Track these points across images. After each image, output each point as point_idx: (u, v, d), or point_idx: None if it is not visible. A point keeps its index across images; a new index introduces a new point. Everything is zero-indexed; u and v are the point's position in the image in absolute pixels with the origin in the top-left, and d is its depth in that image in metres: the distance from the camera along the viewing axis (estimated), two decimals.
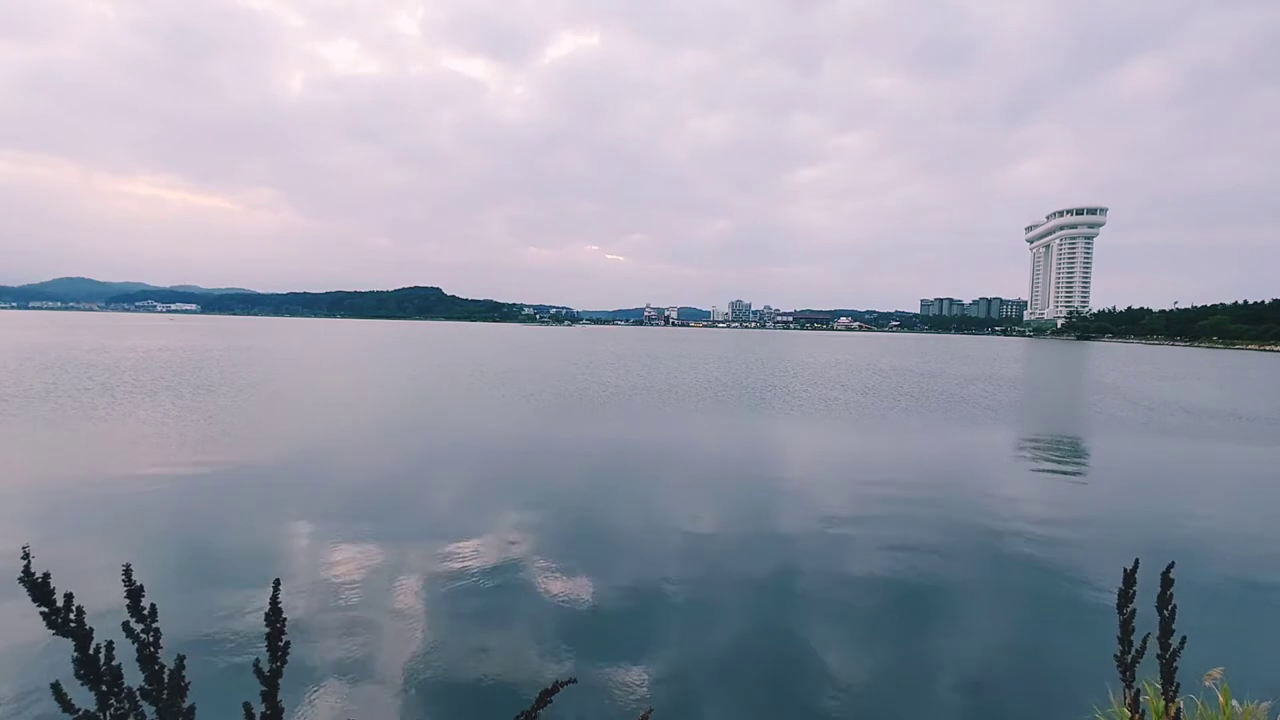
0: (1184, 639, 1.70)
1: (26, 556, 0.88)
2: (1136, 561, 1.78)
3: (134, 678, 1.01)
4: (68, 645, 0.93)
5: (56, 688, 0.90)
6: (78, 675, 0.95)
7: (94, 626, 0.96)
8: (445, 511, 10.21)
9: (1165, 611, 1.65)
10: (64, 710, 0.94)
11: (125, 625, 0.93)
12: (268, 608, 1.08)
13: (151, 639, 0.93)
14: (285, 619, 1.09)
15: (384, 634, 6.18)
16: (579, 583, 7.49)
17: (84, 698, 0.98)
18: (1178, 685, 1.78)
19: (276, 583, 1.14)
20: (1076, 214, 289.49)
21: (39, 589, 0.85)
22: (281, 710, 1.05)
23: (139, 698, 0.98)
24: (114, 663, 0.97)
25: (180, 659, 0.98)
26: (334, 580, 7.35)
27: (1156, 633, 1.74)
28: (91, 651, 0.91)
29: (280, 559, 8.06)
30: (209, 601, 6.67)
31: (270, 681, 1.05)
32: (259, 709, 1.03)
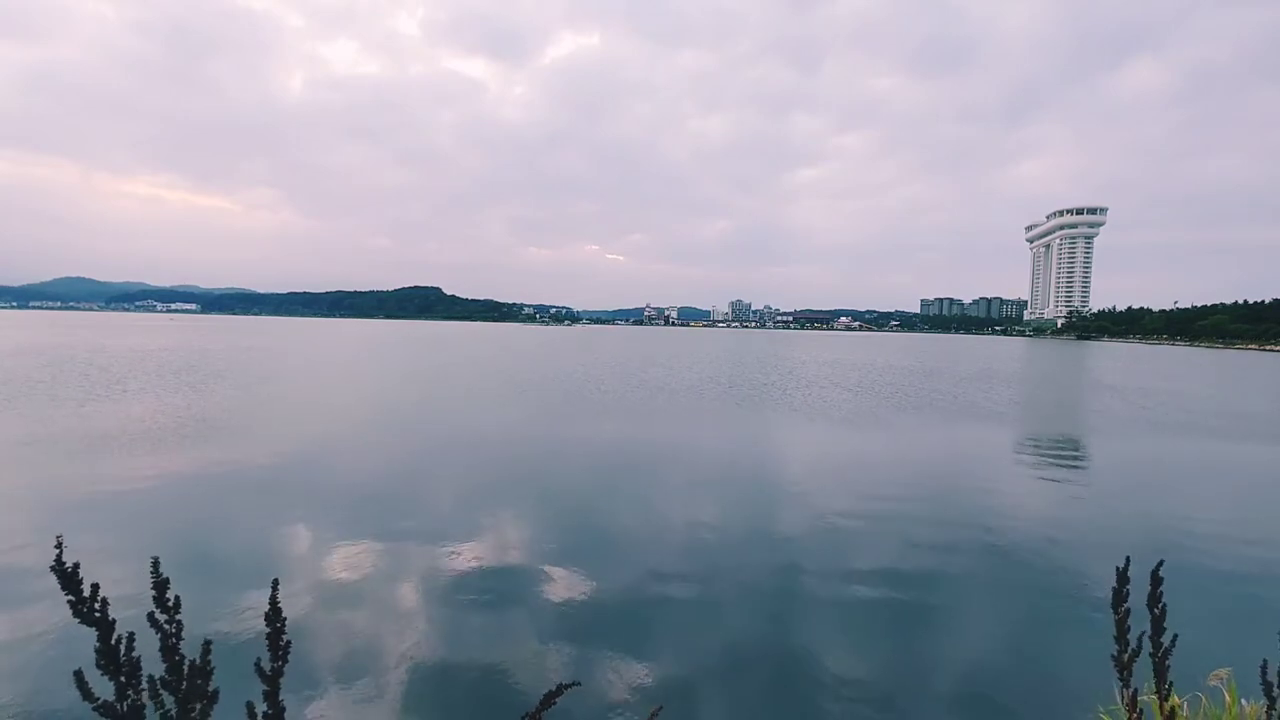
0: (1175, 636, 1.73)
1: (60, 546, 0.91)
2: (1128, 560, 1.80)
3: (151, 669, 1.04)
4: (76, 638, 0.96)
5: (79, 676, 0.93)
6: (99, 665, 0.97)
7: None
8: (447, 511, 10.24)
9: (1156, 610, 1.67)
10: (84, 699, 0.97)
11: (150, 616, 0.96)
12: (268, 608, 1.10)
13: (175, 630, 0.96)
14: (285, 619, 1.10)
15: (386, 634, 6.20)
16: (580, 582, 7.52)
17: (103, 688, 1.02)
18: (1171, 683, 1.80)
19: (275, 583, 1.15)
20: (1076, 214, 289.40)
21: (68, 578, 0.89)
22: (283, 710, 1.06)
23: (160, 687, 1.01)
24: (134, 654, 1.00)
25: (206, 644, 1.01)
26: (336, 580, 7.38)
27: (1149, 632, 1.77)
28: (113, 642, 0.94)
29: (282, 558, 8.09)
30: (210, 600, 6.68)
31: (272, 681, 1.06)
32: (261, 708, 1.05)
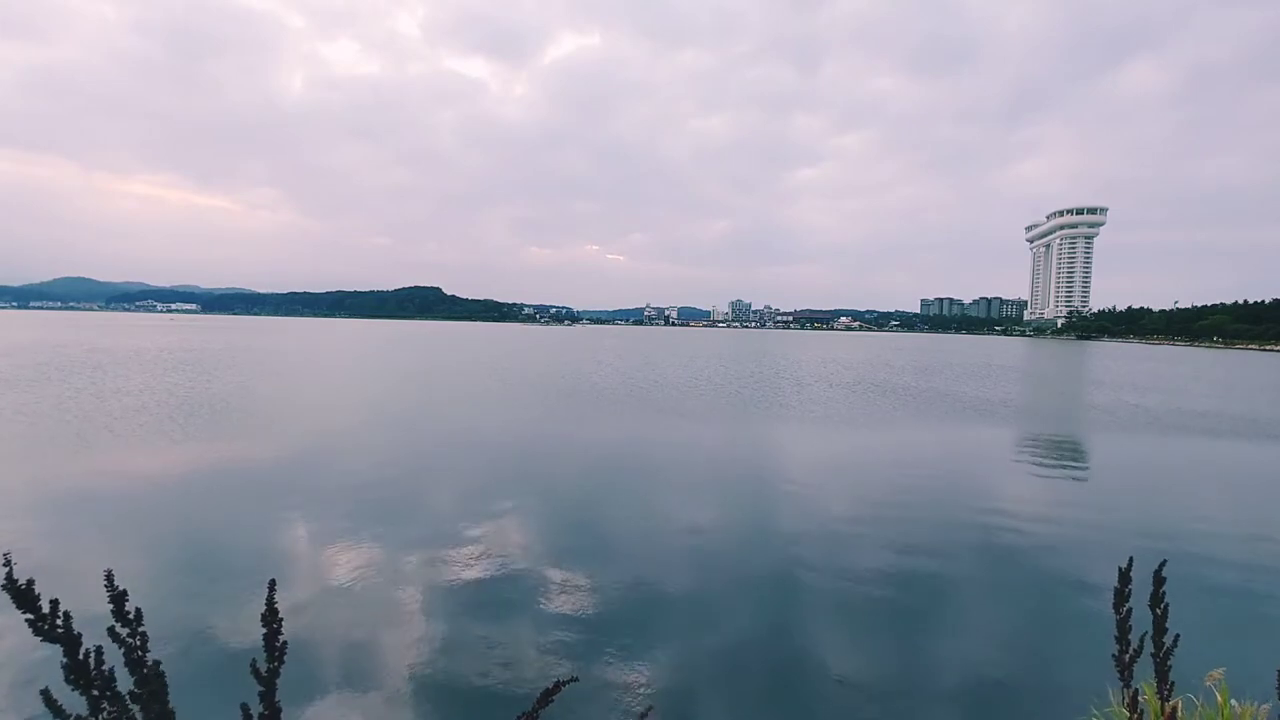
0: (1177, 637, 1.70)
1: (8, 563, 0.88)
2: (1130, 560, 1.78)
3: (127, 682, 1.01)
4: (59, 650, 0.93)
5: (46, 694, 0.90)
6: (68, 680, 0.94)
7: (89, 629, 0.96)
8: (445, 510, 10.22)
9: (1158, 610, 1.65)
10: (55, 716, 0.94)
11: (110, 630, 0.93)
12: (264, 608, 1.08)
13: (138, 643, 0.93)
14: (282, 619, 1.09)
15: (384, 633, 6.18)
16: (580, 581, 7.50)
17: (75, 702, 0.99)
18: (1173, 684, 1.78)
19: (272, 583, 1.14)
20: (1076, 214, 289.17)
21: (23, 596, 0.85)
22: (279, 711, 1.05)
23: (129, 701, 0.98)
24: (105, 667, 0.97)
25: (156, 663, 0.98)
26: (334, 579, 7.35)
27: (1149, 631, 1.74)
28: (81, 656, 0.91)
29: (280, 558, 8.07)
30: (208, 602, 6.67)
31: (267, 682, 1.04)
32: (256, 709, 1.03)
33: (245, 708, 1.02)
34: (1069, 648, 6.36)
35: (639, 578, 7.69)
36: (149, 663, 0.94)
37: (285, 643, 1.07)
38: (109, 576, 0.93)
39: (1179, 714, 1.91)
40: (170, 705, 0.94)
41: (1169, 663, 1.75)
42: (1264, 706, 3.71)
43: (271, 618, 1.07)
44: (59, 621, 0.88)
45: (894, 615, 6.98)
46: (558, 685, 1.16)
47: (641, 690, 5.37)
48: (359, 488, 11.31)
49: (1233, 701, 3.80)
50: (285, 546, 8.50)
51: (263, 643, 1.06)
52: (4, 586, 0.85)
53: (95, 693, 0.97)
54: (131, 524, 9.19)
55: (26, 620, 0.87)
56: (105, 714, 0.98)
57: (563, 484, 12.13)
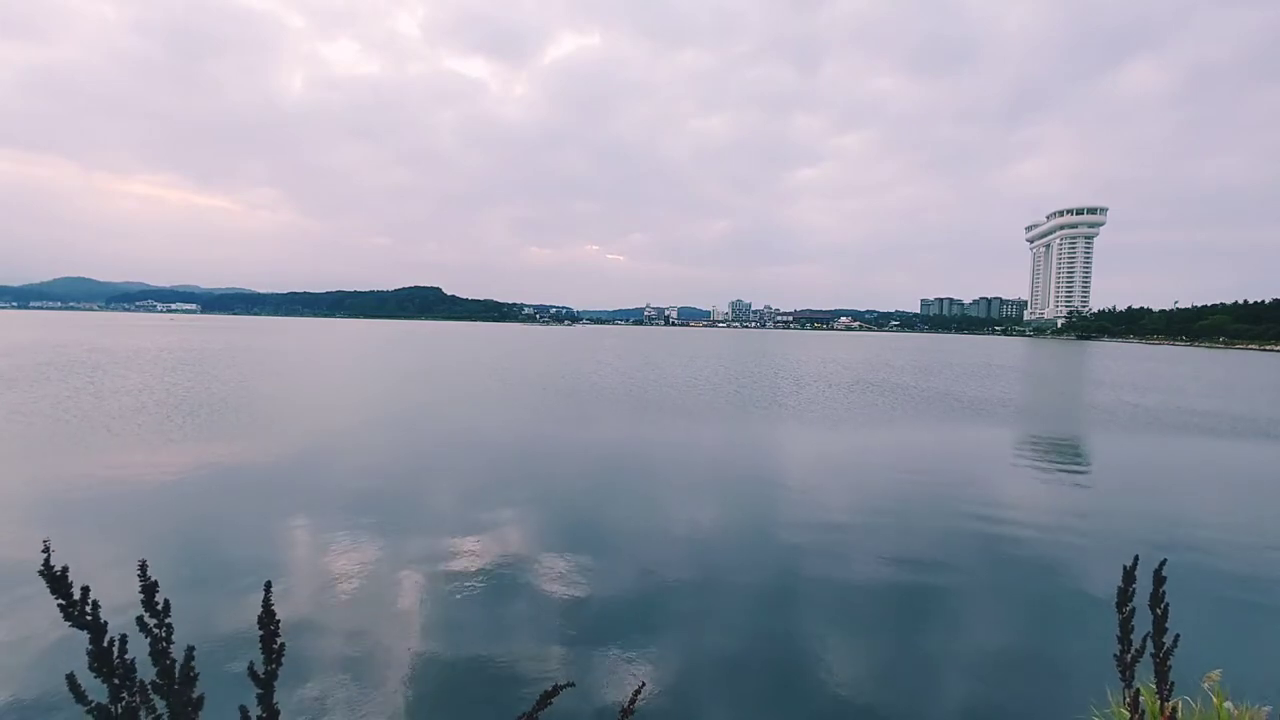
0: (1177, 637, 1.71)
1: (47, 550, 0.90)
2: (1136, 559, 1.78)
3: (144, 672, 1.02)
4: (77, 640, 0.95)
5: (71, 679, 0.92)
6: (91, 668, 0.96)
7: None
8: (445, 511, 10.23)
9: (1158, 610, 1.66)
10: (77, 701, 0.96)
11: (139, 620, 0.95)
12: (260, 610, 1.08)
13: (164, 634, 0.95)
14: (279, 621, 1.09)
15: (383, 635, 6.19)
16: (579, 583, 7.51)
17: (97, 690, 1.01)
18: (1172, 685, 1.79)
19: (268, 585, 1.13)
20: (1076, 214, 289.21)
21: (57, 582, 0.87)
22: (277, 713, 1.06)
23: (150, 691, 1.00)
24: (127, 656, 0.99)
25: (189, 649, 1.00)
26: (334, 580, 7.36)
27: (1150, 632, 1.75)
28: (105, 645, 0.93)
29: (279, 559, 8.08)
30: (207, 602, 6.68)
31: (265, 684, 1.05)
32: (255, 712, 1.04)
33: (244, 710, 1.02)
34: (1069, 648, 6.37)
35: (638, 579, 7.70)
36: (172, 655, 0.97)
37: (283, 644, 1.07)
38: (143, 567, 0.95)
39: (1178, 715, 1.92)
40: (199, 693, 0.96)
41: (1168, 663, 1.76)
42: (1264, 709, 3.69)
43: (268, 619, 1.07)
44: (88, 609, 0.90)
45: (893, 615, 7.00)
46: (556, 689, 1.17)
47: (641, 692, 5.38)
48: (359, 488, 11.32)
49: (1230, 703, 3.79)
50: (284, 547, 8.52)
51: (260, 644, 1.06)
52: (40, 572, 0.87)
53: (116, 681, 0.99)
54: (129, 524, 9.20)
55: (58, 605, 0.89)
56: (124, 703, 1.00)
57: (562, 484, 12.14)
